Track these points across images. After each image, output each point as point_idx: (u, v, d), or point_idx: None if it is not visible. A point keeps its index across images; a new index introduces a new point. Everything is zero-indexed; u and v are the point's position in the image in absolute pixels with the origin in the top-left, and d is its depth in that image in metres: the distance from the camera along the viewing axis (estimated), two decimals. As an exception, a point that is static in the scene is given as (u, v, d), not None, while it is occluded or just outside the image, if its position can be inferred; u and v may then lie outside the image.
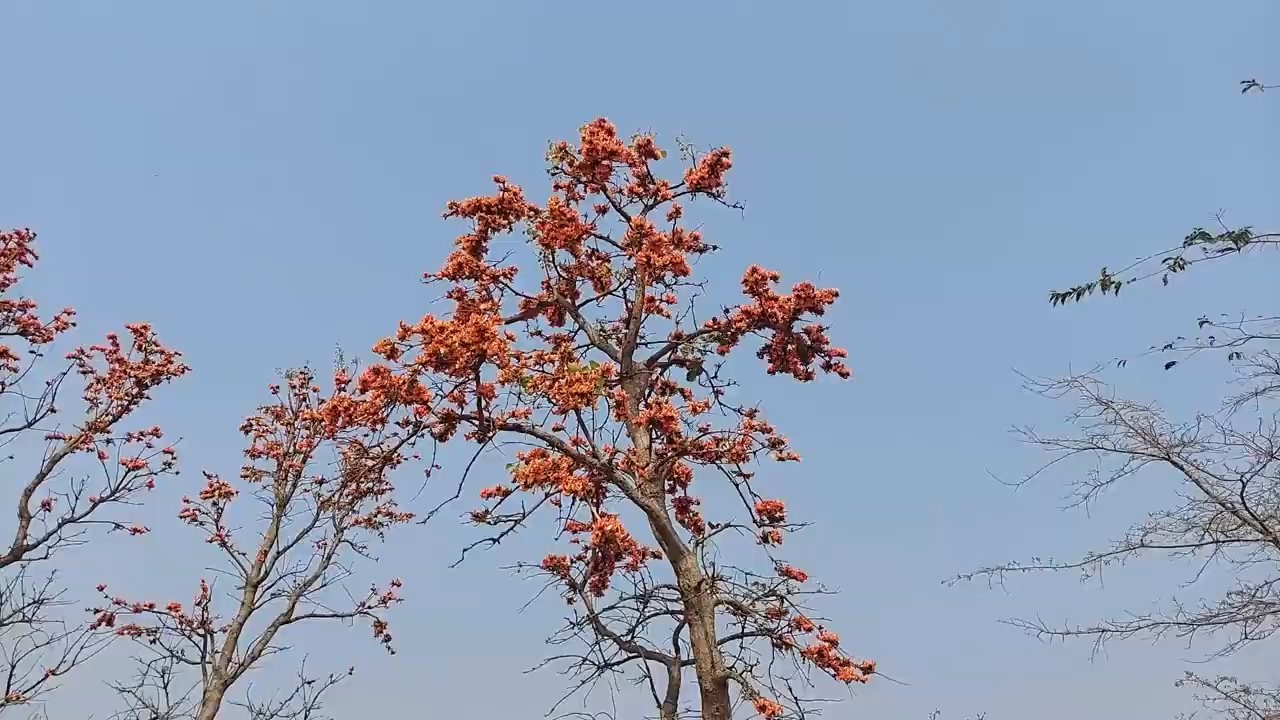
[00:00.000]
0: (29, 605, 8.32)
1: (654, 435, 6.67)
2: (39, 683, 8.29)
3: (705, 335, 7.39)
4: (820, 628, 6.09)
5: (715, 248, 7.44)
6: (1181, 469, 7.96)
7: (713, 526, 7.22)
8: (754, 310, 7.09)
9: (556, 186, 7.49)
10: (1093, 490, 8.24)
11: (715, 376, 7.57)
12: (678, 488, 7.35)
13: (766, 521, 6.86)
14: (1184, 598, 7.89)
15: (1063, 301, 4.59)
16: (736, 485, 7.06)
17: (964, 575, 8.18)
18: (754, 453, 6.83)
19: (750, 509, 6.94)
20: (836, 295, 6.97)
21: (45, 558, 8.74)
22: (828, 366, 7.26)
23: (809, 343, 7.21)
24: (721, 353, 7.39)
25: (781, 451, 6.79)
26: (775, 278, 7.05)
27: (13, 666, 8.13)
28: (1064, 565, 8.15)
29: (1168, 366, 5.19)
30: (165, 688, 9.47)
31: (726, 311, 7.29)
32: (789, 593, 6.47)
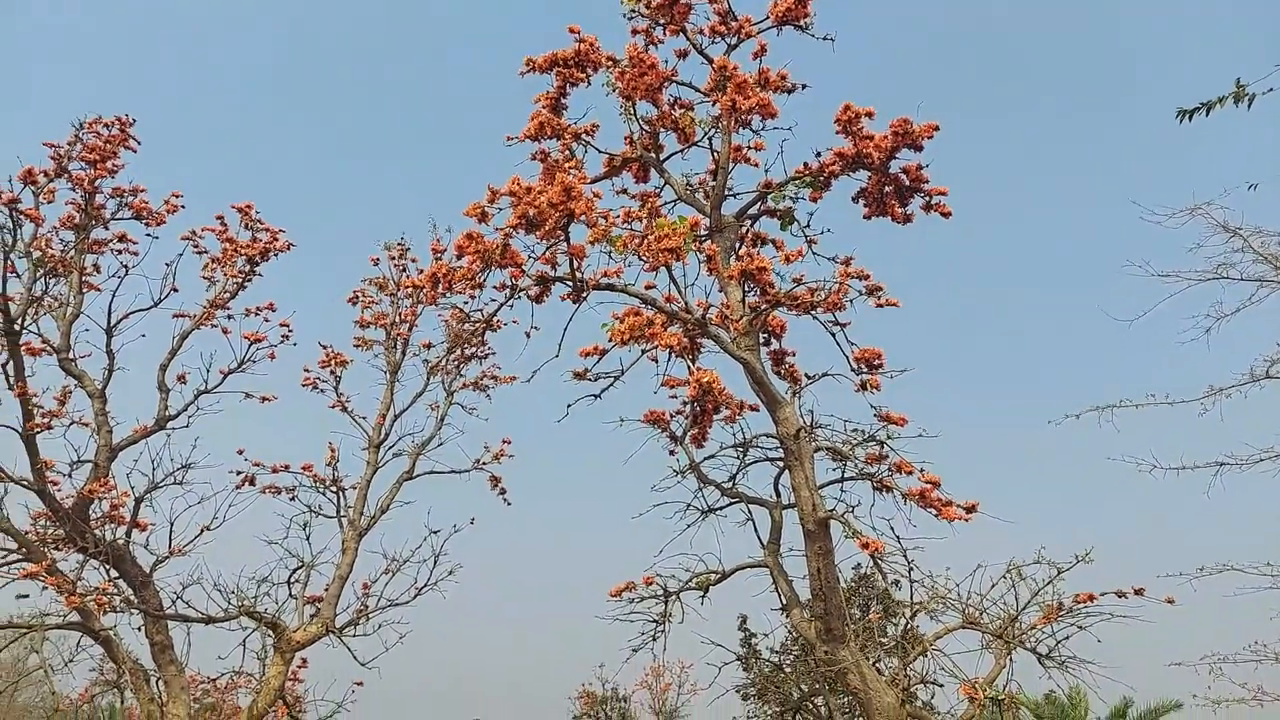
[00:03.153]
0: (178, 469, 9.12)
1: (746, 288, 6.57)
2: (195, 538, 9.20)
3: (796, 182, 7.12)
4: (922, 470, 6.09)
5: (805, 87, 7.03)
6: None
7: (809, 377, 7.19)
8: (847, 151, 6.74)
9: (634, 32, 7.15)
10: (1215, 323, 7.81)
11: (808, 225, 7.34)
12: (772, 340, 7.30)
13: (865, 369, 6.78)
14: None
15: (1190, 118, 4.19)
16: (833, 335, 6.95)
17: (1072, 415, 8.00)
18: (850, 301, 6.68)
19: (848, 357, 6.86)
20: (937, 129, 6.54)
21: (187, 426, 9.52)
22: (928, 207, 6.92)
23: (907, 183, 6.86)
24: (814, 199, 7.12)
25: (880, 297, 6.60)
26: (870, 114, 6.65)
27: (171, 524, 9.03)
28: (1180, 400, 7.85)
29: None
30: (308, 539, 10.37)
31: (818, 155, 6.96)
32: (889, 438, 6.46)
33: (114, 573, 8.67)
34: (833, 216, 9.10)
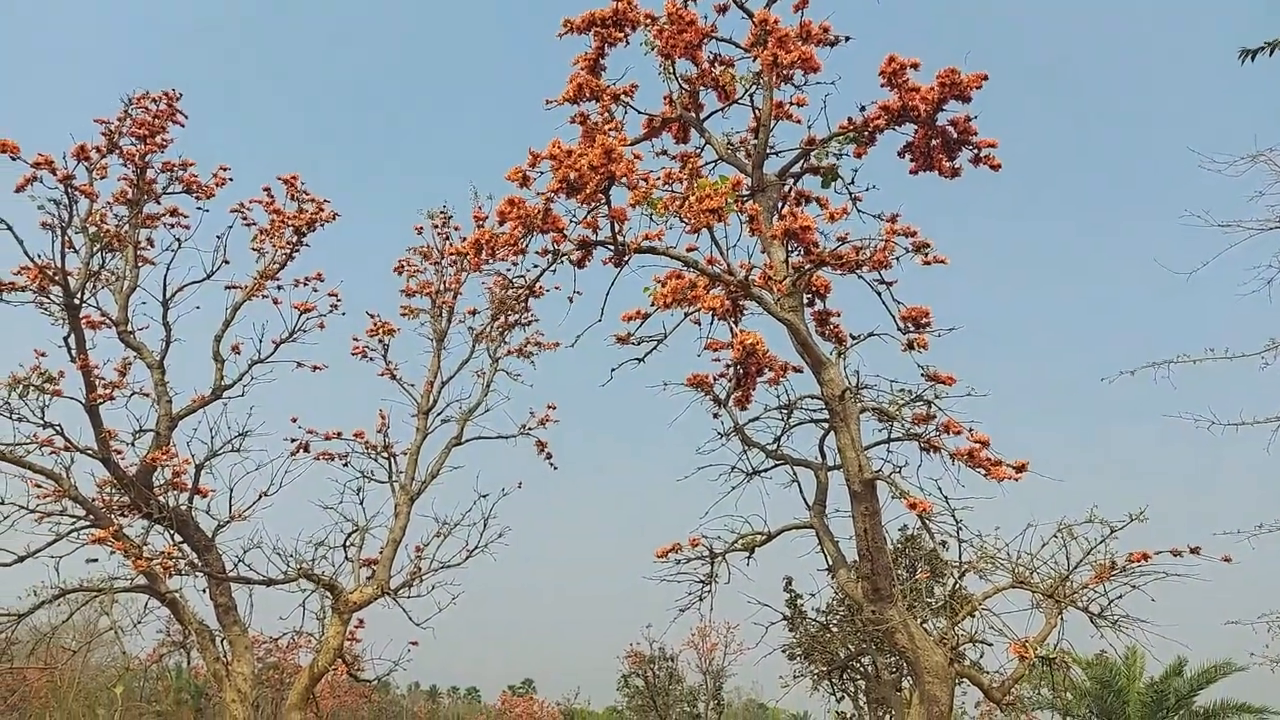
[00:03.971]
0: (235, 437, 9.39)
1: (790, 248, 6.50)
2: (254, 503, 9.50)
3: (840, 138, 6.97)
4: (970, 429, 6.01)
5: (848, 39, 6.85)
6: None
7: (854, 338, 7.11)
8: (893, 105, 6.58)
9: (673, -13, 7.03)
10: (1277, 274, 7.51)
11: (852, 182, 7.19)
12: (817, 300, 7.21)
13: (911, 328, 6.68)
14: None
15: (1253, 58, 4.01)
16: (879, 294, 6.85)
17: (1126, 371, 7.80)
18: (896, 259, 6.55)
19: (894, 316, 6.76)
20: (985, 79, 6.34)
21: (242, 395, 9.78)
22: (976, 160, 6.73)
23: (955, 135, 6.67)
24: (858, 155, 6.97)
25: (927, 255, 6.47)
26: (915, 65, 6.46)
27: (231, 489, 9.32)
28: (1239, 355, 7.61)
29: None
30: (361, 504, 10.65)
31: (862, 110, 6.80)
32: (936, 397, 6.38)
33: (178, 537, 8.99)
34: (878, 173, 8.92)
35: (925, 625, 7.37)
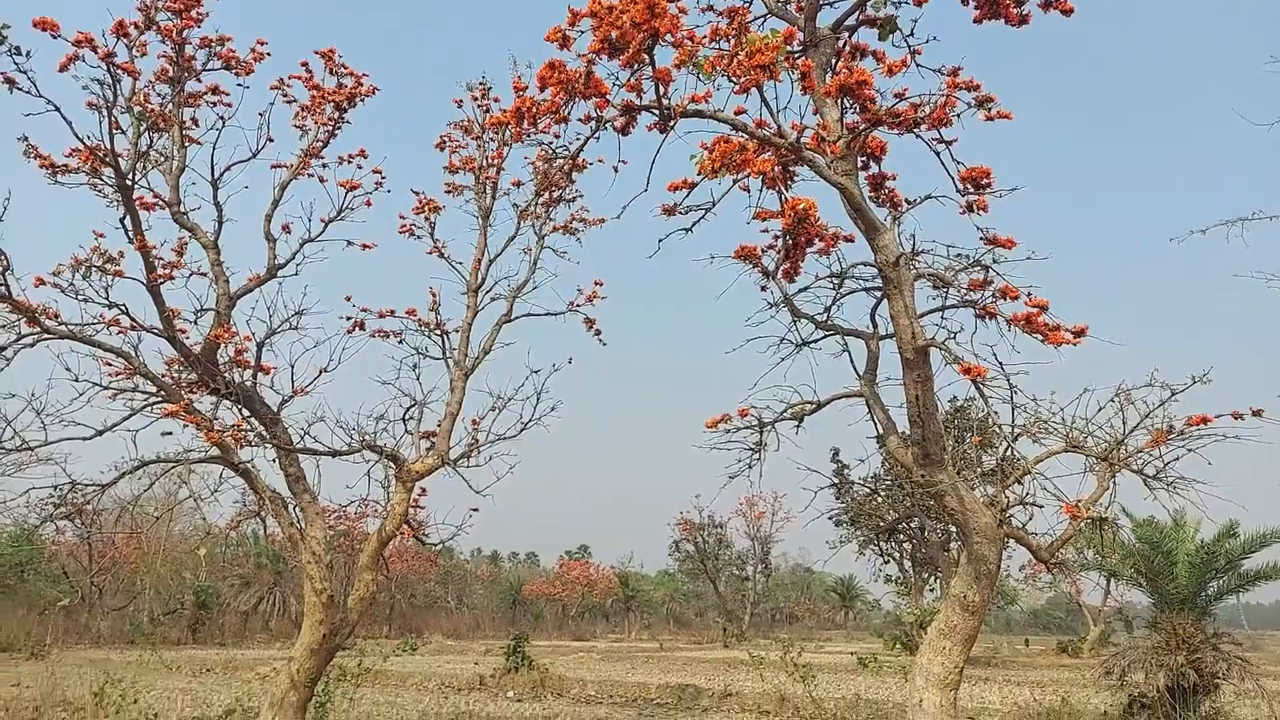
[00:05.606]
0: (293, 315, 9.58)
1: (844, 106, 6.21)
2: (314, 379, 9.78)
3: (899, -15, 6.53)
4: (1029, 294, 5.85)
5: (908, -126, 6.32)
6: None
7: (910, 202, 6.87)
8: (957, -54, 6.11)
9: None
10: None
11: (911, 34, 6.76)
12: (871, 163, 6.94)
13: (971, 190, 6.41)
14: None
15: None
16: (937, 154, 6.55)
17: (1198, 231, 7.47)
18: (957, 115, 6.22)
19: (953, 178, 6.48)
20: (1061, -88, 5.83)
21: (296, 274, 9.92)
22: (1047, 5, 6.26)
23: (1024, -22, 6.20)
24: (918, 4, 6.53)
25: (990, 110, 6.12)
26: (983, -99, 5.96)
27: (291, 366, 9.60)
28: (1324, 212, 7.21)
29: None
30: (418, 379, 10.92)
31: (924, -47, 6.33)
32: (995, 261, 6.20)
33: (245, 412, 9.36)
34: (939, 24, 8.39)
35: (975, 491, 7.44)
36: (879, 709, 12.82)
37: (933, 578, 33.06)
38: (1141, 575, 11.99)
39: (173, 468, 9.63)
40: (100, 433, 8.82)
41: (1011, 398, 5.92)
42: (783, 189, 6.59)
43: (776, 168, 6.31)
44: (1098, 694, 13.04)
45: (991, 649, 35.02)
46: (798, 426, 7.53)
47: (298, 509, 9.66)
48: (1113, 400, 6.43)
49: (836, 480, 33.96)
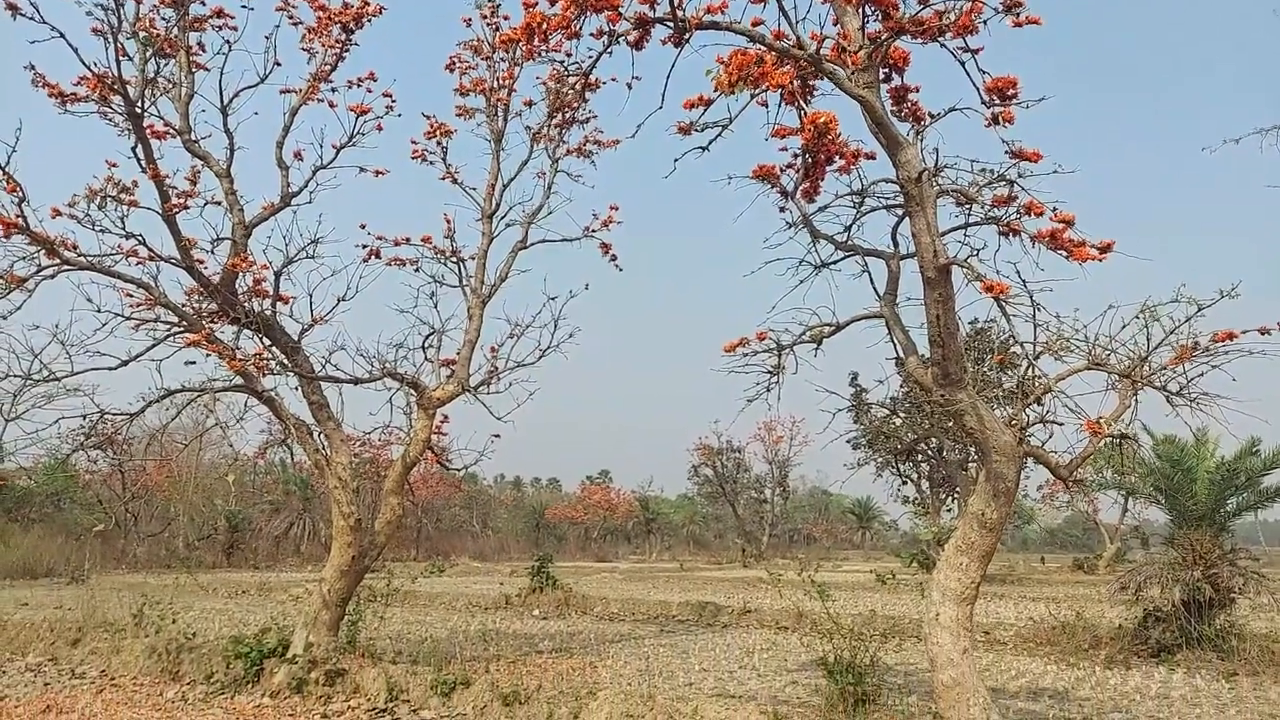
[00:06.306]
0: (309, 244, 9.58)
1: (866, 14, 5.98)
2: (333, 308, 9.83)
3: (924, -116, 6.20)
4: (1054, 209, 5.71)
5: None
6: None
7: (933, 115, 6.66)
8: None
9: None
10: None
11: (936, -64, 6.47)
12: (893, 75, 6.70)
13: (996, 101, 6.19)
14: None
15: None
16: (962, 64, 6.30)
17: (1231, 140, 7.23)
18: (983, 22, 5.98)
19: (978, 88, 6.25)
20: None
21: (310, 202, 9.89)
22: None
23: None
24: (944, -96, 6.22)
25: (1018, 15, 5.88)
26: None
27: (310, 295, 9.64)
28: (1366, 120, 6.94)
29: None
30: (435, 307, 10.96)
31: None
32: (1020, 175, 6.03)
33: (266, 341, 9.44)
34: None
35: (994, 411, 7.41)
36: (895, 624, 13.09)
37: (950, 498, 33.39)
38: (1160, 492, 12.01)
39: (198, 396, 9.78)
40: (125, 362, 8.94)
41: (1034, 315, 5.84)
42: (802, 103, 6.40)
43: (795, 81, 6.11)
44: (1112, 609, 13.23)
45: (1007, 567, 35.55)
46: (816, 349, 7.49)
47: (322, 436, 9.82)
48: (1137, 317, 6.32)
49: (855, 404, 34.08)
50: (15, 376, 8.97)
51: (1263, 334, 5.99)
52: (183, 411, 10.40)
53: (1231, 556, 11.06)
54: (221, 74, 9.19)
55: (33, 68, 8.41)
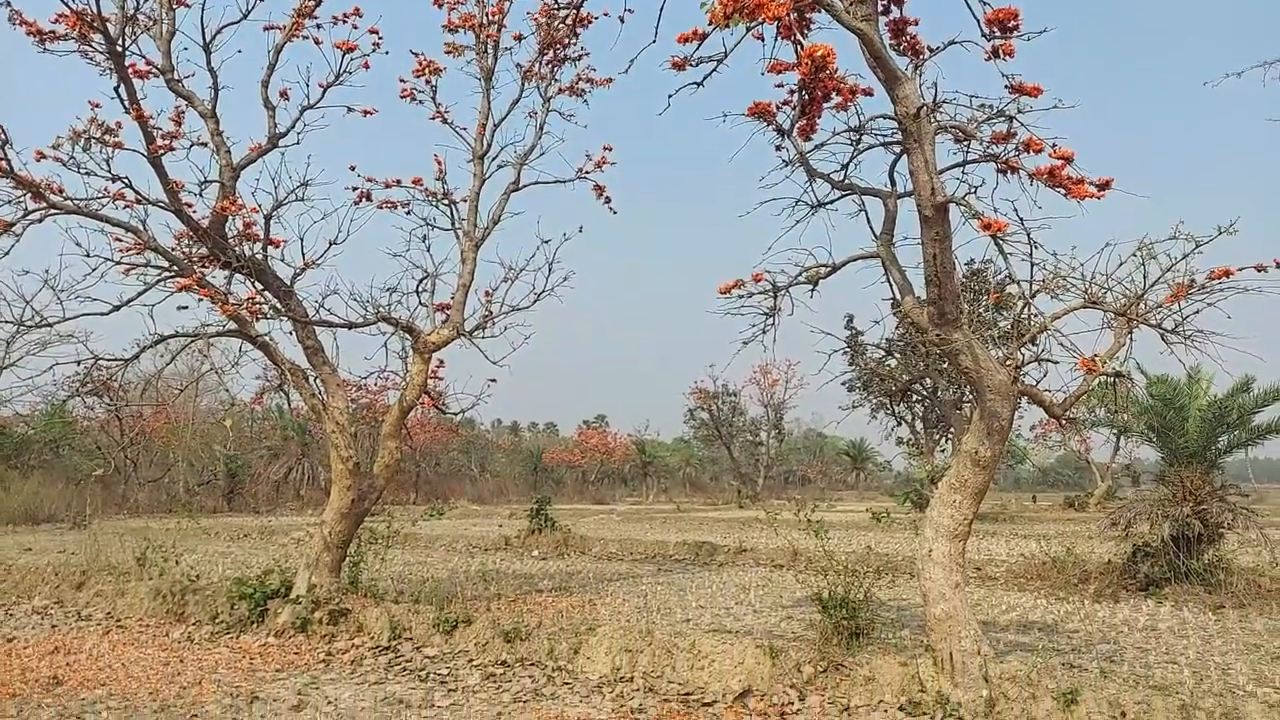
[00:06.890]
0: (299, 187, 9.44)
1: (865, -57, 5.80)
2: (325, 251, 9.73)
3: None
4: (1054, 145, 5.63)
5: None
6: None
7: (932, 50, 6.53)
8: None
9: None
10: None
11: None
12: (892, 7, 6.55)
13: (996, 33, 6.06)
14: None
15: None
16: (962, -6, 6.17)
17: (1233, 73, 7.10)
18: (985, -50, 5.82)
19: (978, 20, 6.12)
20: None
21: (298, 143, 9.70)
22: None
23: None
24: None
25: (1020, -57, 5.73)
26: None
27: (301, 239, 9.54)
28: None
29: None
30: (428, 251, 10.85)
31: None
32: (1019, 111, 5.93)
33: (258, 285, 9.37)
34: None
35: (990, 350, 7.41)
36: (889, 560, 13.31)
37: (944, 439, 33.70)
38: (1152, 430, 12.11)
39: (192, 341, 9.74)
40: (117, 308, 8.88)
41: (1031, 254, 5.80)
42: (799, 37, 6.26)
43: (792, 14, 5.96)
44: (1102, 544, 13.46)
45: (999, 505, 36.05)
46: (813, 290, 7.44)
47: (318, 380, 9.81)
48: (1134, 254, 6.29)
49: (850, 346, 34.13)
50: (7, 323, 8.93)
51: (1259, 270, 5.97)
52: (177, 357, 10.38)
53: (1221, 493, 11.20)
54: (203, 10, 8.93)
55: (9, 4, 8.19)
